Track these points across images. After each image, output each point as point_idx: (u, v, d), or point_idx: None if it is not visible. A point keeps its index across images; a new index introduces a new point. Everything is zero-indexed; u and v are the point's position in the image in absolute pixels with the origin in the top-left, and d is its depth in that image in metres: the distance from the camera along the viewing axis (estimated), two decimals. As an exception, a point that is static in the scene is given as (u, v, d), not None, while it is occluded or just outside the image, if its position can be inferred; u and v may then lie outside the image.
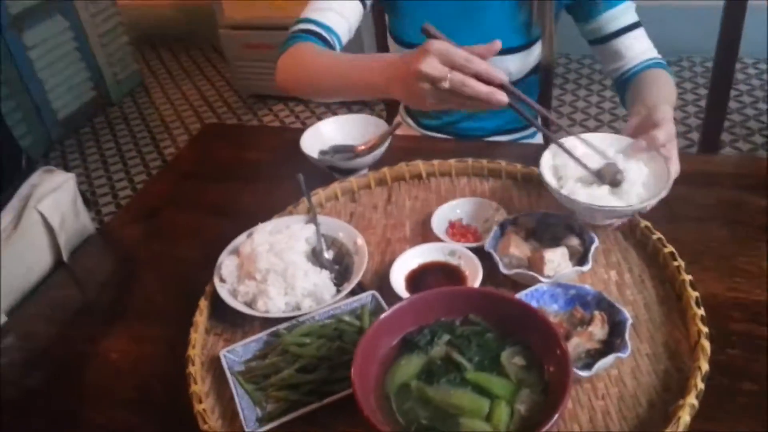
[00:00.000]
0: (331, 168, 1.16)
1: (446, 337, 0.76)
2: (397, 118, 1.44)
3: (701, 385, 0.73)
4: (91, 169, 3.15)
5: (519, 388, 0.70)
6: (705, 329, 0.79)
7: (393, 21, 1.33)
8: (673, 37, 3.00)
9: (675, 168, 0.92)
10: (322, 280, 0.91)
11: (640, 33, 1.22)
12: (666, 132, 0.93)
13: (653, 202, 0.89)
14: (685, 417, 0.70)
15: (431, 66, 0.81)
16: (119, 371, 0.90)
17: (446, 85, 0.82)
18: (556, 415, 0.63)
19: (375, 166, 1.16)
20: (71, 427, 0.84)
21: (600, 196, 0.91)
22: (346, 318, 0.86)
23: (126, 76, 3.71)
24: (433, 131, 1.44)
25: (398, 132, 1.53)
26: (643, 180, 0.93)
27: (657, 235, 0.93)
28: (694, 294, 0.83)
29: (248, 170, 1.28)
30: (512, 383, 0.71)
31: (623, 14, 1.21)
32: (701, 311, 0.81)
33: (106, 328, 0.98)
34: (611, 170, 0.93)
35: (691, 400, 0.71)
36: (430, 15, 1.26)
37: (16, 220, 1.03)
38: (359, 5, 1.24)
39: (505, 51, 1.22)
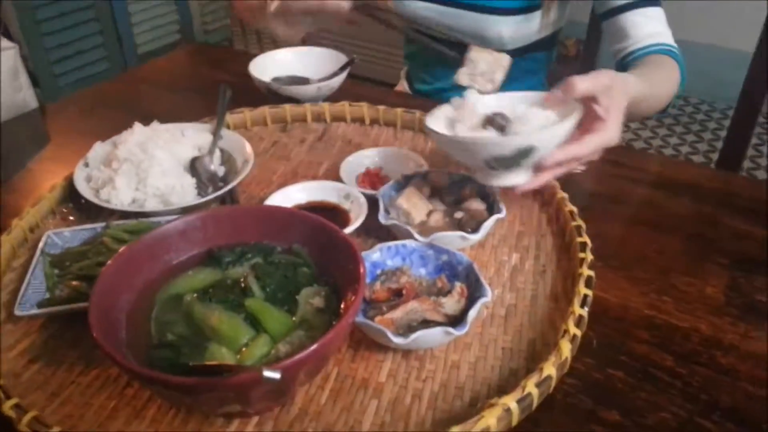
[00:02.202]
0: (270, 92, 1.06)
1: (256, 261, 0.64)
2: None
3: (533, 390, 0.56)
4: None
5: (297, 327, 0.57)
6: (575, 331, 0.62)
7: None
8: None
9: (609, 134, 0.73)
10: (182, 185, 0.81)
11: (654, 12, 1.01)
12: (600, 84, 0.72)
13: (541, 137, 0.68)
14: (490, 418, 0.54)
15: None
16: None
17: None
18: (303, 354, 0.49)
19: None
20: None
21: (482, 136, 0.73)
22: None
23: (215, 28, 3.78)
24: (424, 97, 1.31)
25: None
26: (544, 124, 0.73)
27: (577, 222, 0.76)
28: (584, 291, 0.66)
29: (205, 87, 1.19)
30: (290, 322, 0.58)
31: None
32: (583, 311, 0.64)
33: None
34: (499, 116, 0.75)
35: (509, 401, 0.55)
36: None
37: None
38: None
39: (499, 11, 1.08)
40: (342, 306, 0.59)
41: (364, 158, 0.92)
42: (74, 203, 0.86)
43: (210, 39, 3.76)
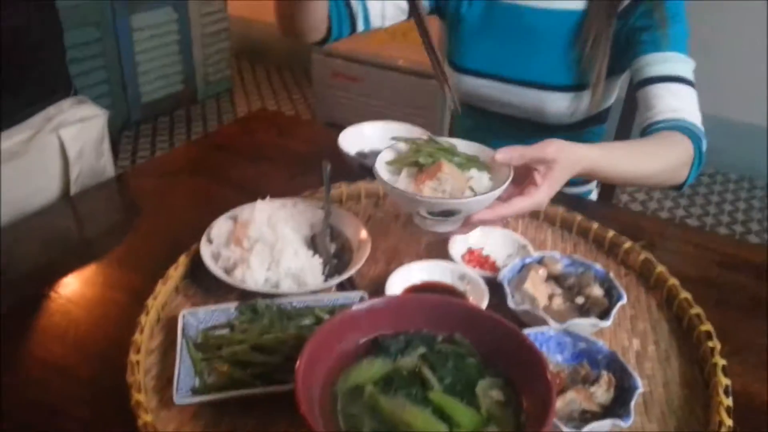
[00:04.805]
0: (363, 167, 1.09)
1: (422, 350, 0.66)
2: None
3: (709, 484, 0.59)
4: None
5: (487, 422, 0.59)
6: (729, 422, 0.65)
7: (451, 47, 1.27)
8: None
9: (536, 200, 0.80)
10: (311, 265, 0.83)
11: (682, 90, 1.02)
12: (539, 158, 0.80)
13: (466, 203, 0.77)
14: None
15: None
16: (77, 310, 0.84)
17: None
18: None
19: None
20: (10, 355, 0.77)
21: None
22: (325, 315, 0.76)
23: (217, 79, 3.81)
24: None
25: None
26: (476, 187, 0.80)
27: (696, 309, 0.80)
28: (725, 381, 0.70)
29: (282, 156, 1.22)
30: (480, 415, 0.59)
31: (671, 62, 1.03)
32: (729, 401, 0.68)
33: (81, 266, 0.92)
34: None
35: (693, 496, 0.58)
36: (487, 43, 1.20)
37: (33, 138, 1.00)
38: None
39: (555, 87, 1.15)
40: (523, 399, 0.61)
41: (468, 238, 0.95)
42: (192, 279, 0.86)
43: (211, 90, 3.79)
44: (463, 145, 0.87)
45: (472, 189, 0.80)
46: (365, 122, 1.17)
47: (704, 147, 1.00)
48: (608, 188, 1.74)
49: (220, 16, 3.71)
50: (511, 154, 0.80)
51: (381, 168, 0.83)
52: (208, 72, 3.75)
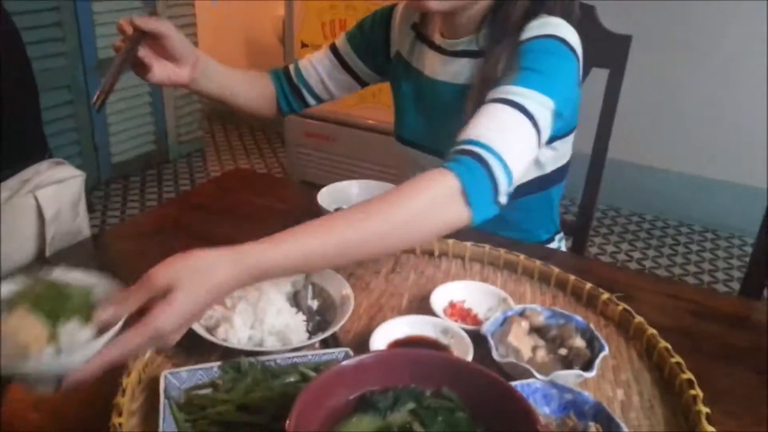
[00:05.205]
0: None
1: (411, 406, 0.66)
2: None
3: None
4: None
5: (479, 477, 0.58)
6: (717, 470, 0.66)
7: (395, 121, 1.30)
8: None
9: (149, 328, 0.65)
10: (295, 322, 0.83)
11: (504, 111, 0.89)
12: (148, 292, 0.66)
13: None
14: None
15: None
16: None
17: None
18: None
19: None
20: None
21: None
22: (310, 372, 0.76)
23: (189, 139, 3.83)
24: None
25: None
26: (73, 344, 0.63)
27: (676, 358, 0.82)
28: (709, 429, 0.71)
29: (260, 214, 1.23)
30: (471, 471, 0.59)
31: (511, 94, 0.92)
32: (715, 449, 0.69)
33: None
34: None
35: None
36: (416, 116, 1.22)
37: (10, 200, 0.99)
38: (341, 74, 1.27)
39: None
40: (513, 452, 0.61)
41: (449, 291, 0.96)
42: (174, 339, 0.85)
43: (183, 150, 3.80)
44: (98, 289, 0.71)
45: (56, 347, 0.62)
46: (345, 181, 1.19)
47: (491, 171, 0.84)
48: (579, 241, 1.77)
49: (193, 78, 3.75)
50: (108, 315, 0.66)
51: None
52: (180, 132, 3.76)
